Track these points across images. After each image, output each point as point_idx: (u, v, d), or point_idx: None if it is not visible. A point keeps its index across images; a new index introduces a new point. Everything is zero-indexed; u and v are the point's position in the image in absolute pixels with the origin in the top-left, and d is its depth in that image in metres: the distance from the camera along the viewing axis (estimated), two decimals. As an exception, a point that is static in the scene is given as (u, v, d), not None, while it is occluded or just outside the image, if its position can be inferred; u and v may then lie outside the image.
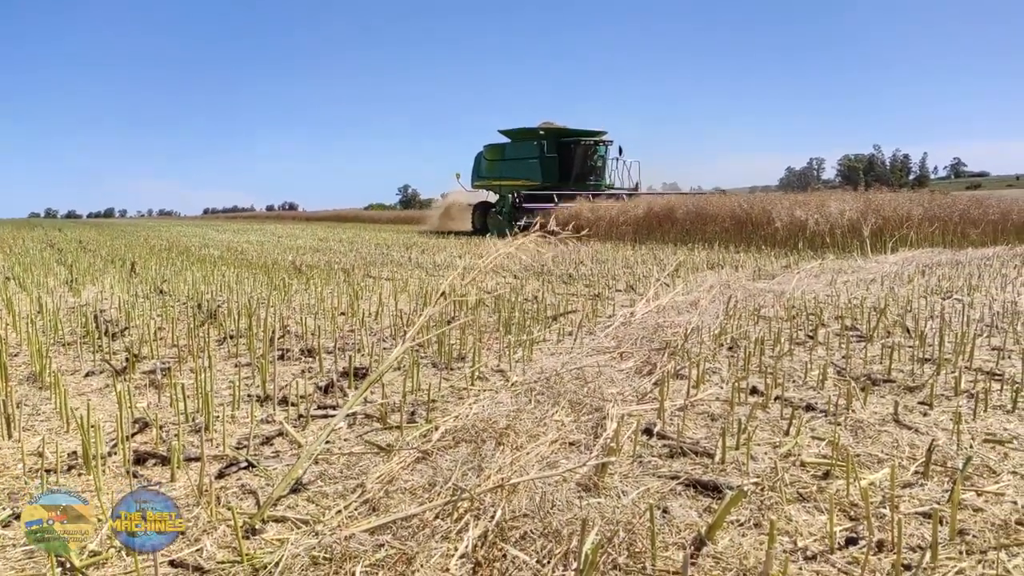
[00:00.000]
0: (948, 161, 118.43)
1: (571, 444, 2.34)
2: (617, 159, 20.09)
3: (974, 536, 1.69)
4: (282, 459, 2.27)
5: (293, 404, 2.82)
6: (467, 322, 4.40)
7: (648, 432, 2.45)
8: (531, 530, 1.64)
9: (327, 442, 2.34)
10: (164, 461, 2.21)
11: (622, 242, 13.22)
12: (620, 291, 6.35)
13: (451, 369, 3.46)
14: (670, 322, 4.31)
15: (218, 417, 2.64)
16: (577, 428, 2.49)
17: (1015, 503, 1.87)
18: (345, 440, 2.42)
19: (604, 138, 19.88)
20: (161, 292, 6.35)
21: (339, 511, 1.82)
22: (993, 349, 3.68)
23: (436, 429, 2.41)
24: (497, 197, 20.49)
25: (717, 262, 8.79)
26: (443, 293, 3.26)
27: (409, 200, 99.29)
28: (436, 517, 1.73)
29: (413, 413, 2.70)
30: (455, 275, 2.74)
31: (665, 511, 1.83)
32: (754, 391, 2.95)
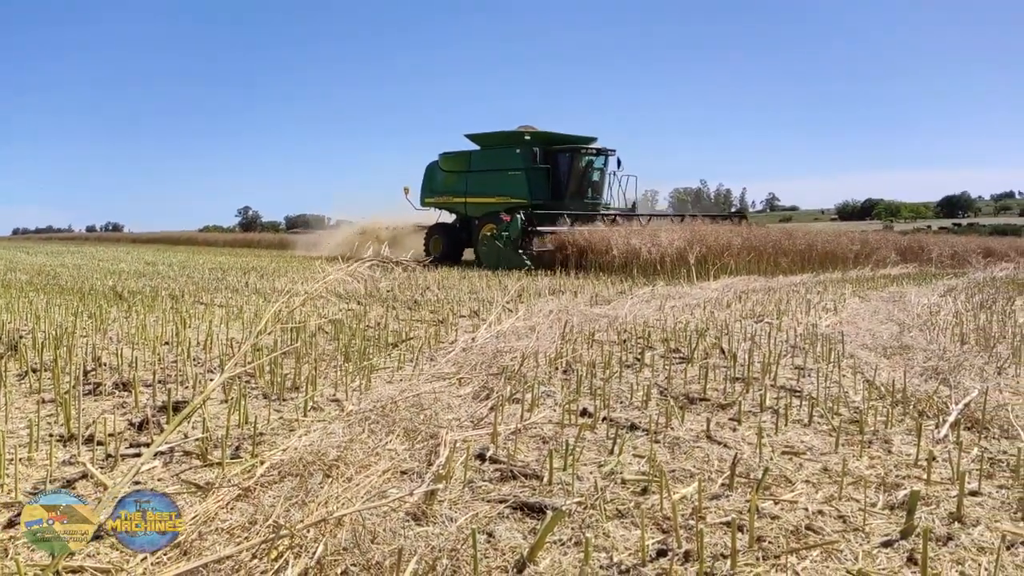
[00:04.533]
0: (764, 196, 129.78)
1: (404, 473, 2.32)
2: (615, 173, 15.93)
3: (770, 542, 1.85)
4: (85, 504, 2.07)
5: (101, 443, 2.59)
6: (303, 350, 4.26)
7: (481, 457, 2.47)
8: (354, 563, 1.61)
9: (136, 483, 2.17)
10: (-60, 513, 1.96)
11: (469, 268, 13.37)
12: (464, 317, 6.40)
13: (284, 400, 3.33)
14: (509, 347, 4.40)
15: (12, 460, 2.38)
16: (411, 456, 2.48)
17: (807, 510, 2.07)
18: (159, 480, 2.26)
19: (603, 147, 15.73)
20: (-48, 321, 5.65)
21: (145, 557, 1.69)
22: (795, 368, 4.06)
23: (261, 464, 2.31)
24: (455, 217, 16.72)
25: (558, 288, 9.07)
26: (278, 319, 3.13)
27: (250, 222, 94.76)
28: (253, 557, 1.65)
29: (238, 448, 2.57)
30: (282, 301, 2.66)
31: (491, 535, 1.85)
32: (584, 413, 3.07)
